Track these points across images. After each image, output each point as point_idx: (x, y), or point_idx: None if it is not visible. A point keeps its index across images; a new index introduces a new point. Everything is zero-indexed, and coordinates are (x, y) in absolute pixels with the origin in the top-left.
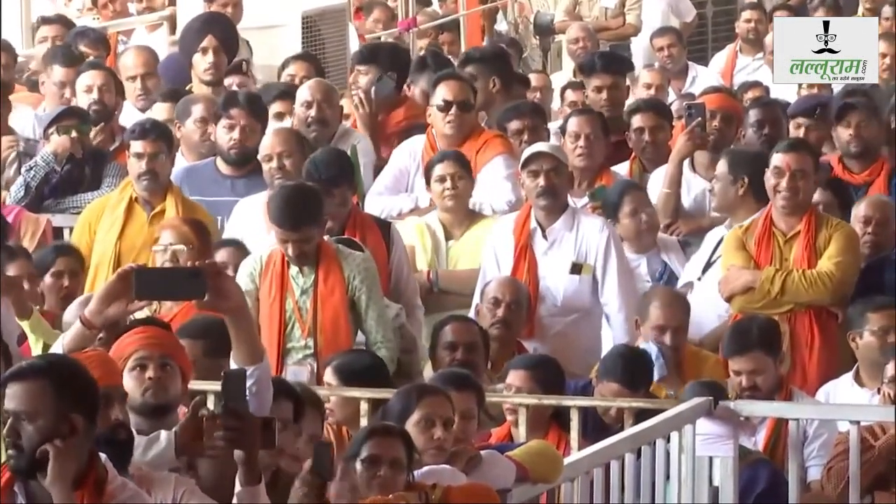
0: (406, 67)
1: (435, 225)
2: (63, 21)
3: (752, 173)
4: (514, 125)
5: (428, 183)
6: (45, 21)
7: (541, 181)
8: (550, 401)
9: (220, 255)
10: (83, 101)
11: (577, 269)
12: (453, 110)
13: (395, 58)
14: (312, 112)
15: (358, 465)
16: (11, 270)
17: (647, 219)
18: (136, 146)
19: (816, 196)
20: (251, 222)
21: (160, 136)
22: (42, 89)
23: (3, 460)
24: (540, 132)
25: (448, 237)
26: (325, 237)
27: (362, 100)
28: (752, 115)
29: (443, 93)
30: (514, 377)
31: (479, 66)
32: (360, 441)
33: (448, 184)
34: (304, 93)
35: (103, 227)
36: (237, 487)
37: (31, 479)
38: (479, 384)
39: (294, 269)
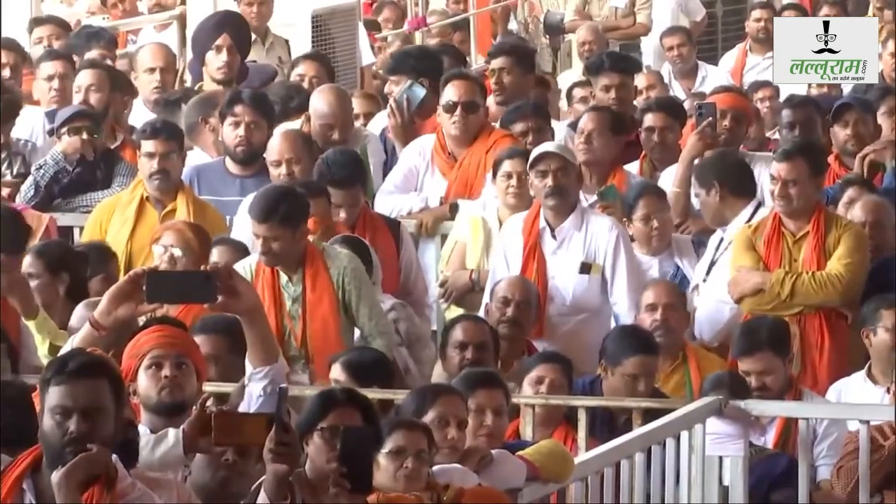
0: (437, 70)
1: (492, 219)
2: (57, 21)
3: (719, 176)
4: (518, 126)
5: (494, 175)
6: (37, 22)
7: (549, 181)
8: (557, 401)
9: (215, 254)
10: (74, 101)
11: (586, 268)
12: (458, 111)
13: (425, 63)
14: (335, 135)
15: (382, 458)
16: (25, 268)
17: (659, 225)
18: (148, 145)
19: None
20: None
21: (171, 136)
22: (35, 94)
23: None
24: (544, 133)
25: None
26: (311, 238)
27: (394, 110)
28: (785, 115)
29: (449, 93)
30: (545, 370)
31: (509, 59)
32: (385, 434)
33: (514, 181)
34: (322, 106)
35: (114, 225)
36: (262, 498)
37: None
38: (505, 382)
39: (284, 279)
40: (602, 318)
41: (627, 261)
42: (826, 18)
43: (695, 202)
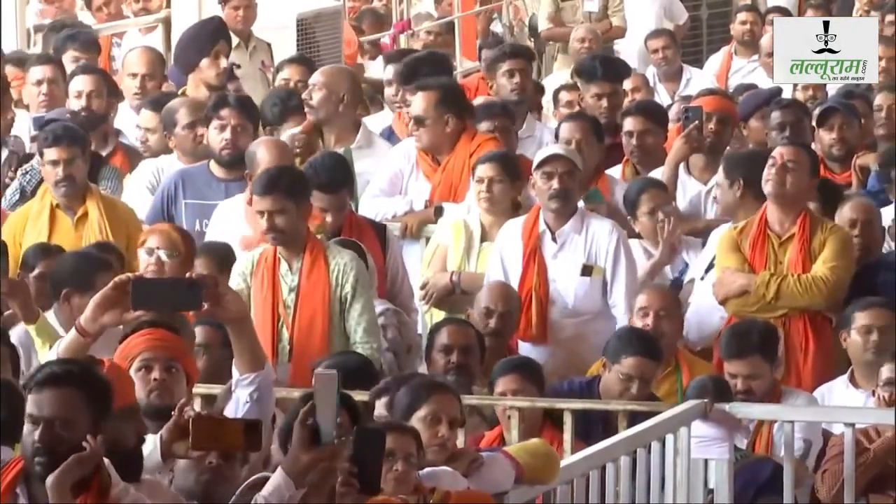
0: (449, 76)
1: (474, 223)
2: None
3: (747, 174)
4: (484, 125)
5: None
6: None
7: (554, 183)
8: (543, 403)
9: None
10: (73, 105)
11: (587, 270)
12: (412, 125)
13: (437, 69)
14: (312, 96)
15: None
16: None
17: (665, 217)
18: (51, 153)
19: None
20: (231, 224)
21: (73, 141)
22: (24, 98)
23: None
24: (509, 133)
25: (484, 238)
26: (319, 237)
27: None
28: (774, 117)
29: (413, 108)
30: (506, 383)
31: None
32: None
33: (484, 186)
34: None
35: (29, 236)
36: (280, 478)
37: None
38: (451, 387)
39: (284, 268)
40: (605, 319)
41: (627, 264)
42: (826, 18)
43: (680, 188)
